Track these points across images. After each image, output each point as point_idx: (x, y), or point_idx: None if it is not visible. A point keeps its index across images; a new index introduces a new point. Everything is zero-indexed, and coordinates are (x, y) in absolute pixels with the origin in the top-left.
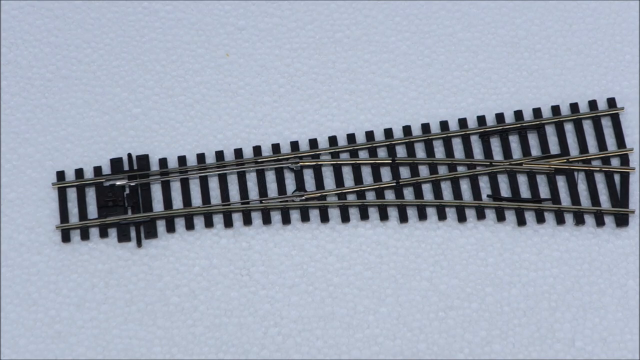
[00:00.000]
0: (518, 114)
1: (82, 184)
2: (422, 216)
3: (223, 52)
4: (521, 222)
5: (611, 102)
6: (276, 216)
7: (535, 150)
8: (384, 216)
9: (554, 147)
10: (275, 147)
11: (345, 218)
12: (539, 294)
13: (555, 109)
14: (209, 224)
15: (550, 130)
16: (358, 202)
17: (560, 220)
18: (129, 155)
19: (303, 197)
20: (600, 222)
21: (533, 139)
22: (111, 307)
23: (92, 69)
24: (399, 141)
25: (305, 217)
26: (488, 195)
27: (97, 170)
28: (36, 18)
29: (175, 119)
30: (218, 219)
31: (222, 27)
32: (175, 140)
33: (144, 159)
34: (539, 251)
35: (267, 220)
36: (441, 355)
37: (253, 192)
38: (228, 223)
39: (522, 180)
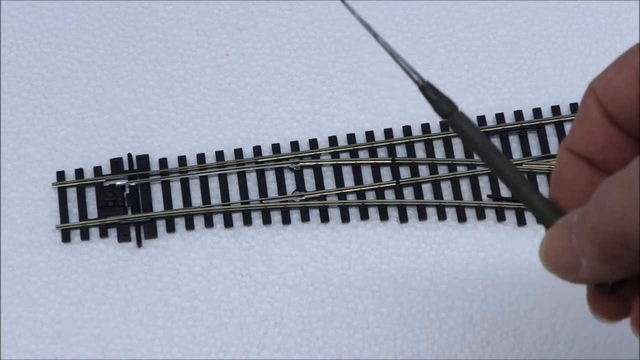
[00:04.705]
0: (518, 114)
1: (82, 184)
2: (422, 216)
3: (223, 52)
4: (521, 222)
5: None
6: (276, 216)
7: (535, 150)
8: (384, 216)
9: (554, 147)
10: (275, 147)
11: (345, 218)
12: (540, 294)
13: (556, 109)
14: (209, 224)
15: (550, 131)
16: (358, 202)
17: None
18: (129, 155)
19: (303, 197)
20: None
21: (533, 139)
22: (111, 307)
23: (92, 69)
24: (399, 141)
25: (305, 217)
26: (488, 195)
27: (97, 170)
28: (36, 18)
29: (175, 119)
30: (218, 219)
31: (222, 27)
32: (175, 140)
33: (144, 159)
34: None
35: (267, 220)
36: (442, 355)
37: (253, 192)
38: (228, 223)
39: None
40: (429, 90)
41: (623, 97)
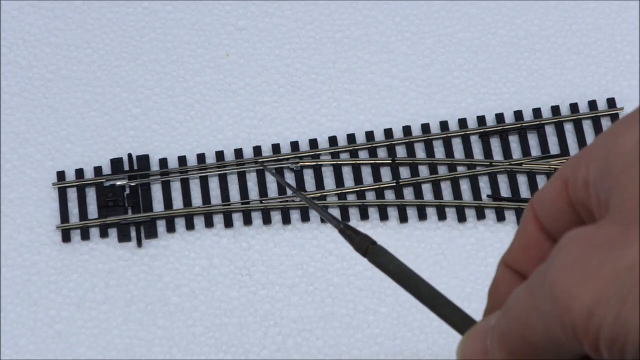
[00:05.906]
0: (518, 114)
1: (82, 184)
2: (422, 216)
3: (223, 52)
4: None
5: (611, 102)
6: (276, 216)
7: (535, 151)
8: (384, 216)
9: (554, 147)
10: (275, 147)
11: (345, 218)
12: None
13: (555, 109)
14: (209, 224)
15: (550, 130)
16: (358, 202)
17: None
18: (129, 155)
19: None
20: None
21: (533, 139)
22: (111, 307)
23: (92, 69)
24: (399, 141)
25: (305, 217)
26: (488, 195)
27: (97, 170)
28: (36, 18)
29: (175, 119)
30: (218, 219)
31: (222, 27)
32: (175, 140)
33: (144, 159)
34: None
35: (267, 220)
36: (441, 355)
37: (253, 192)
38: (228, 223)
39: (522, 180)
40: (347, 231)
41: (554, 207)
